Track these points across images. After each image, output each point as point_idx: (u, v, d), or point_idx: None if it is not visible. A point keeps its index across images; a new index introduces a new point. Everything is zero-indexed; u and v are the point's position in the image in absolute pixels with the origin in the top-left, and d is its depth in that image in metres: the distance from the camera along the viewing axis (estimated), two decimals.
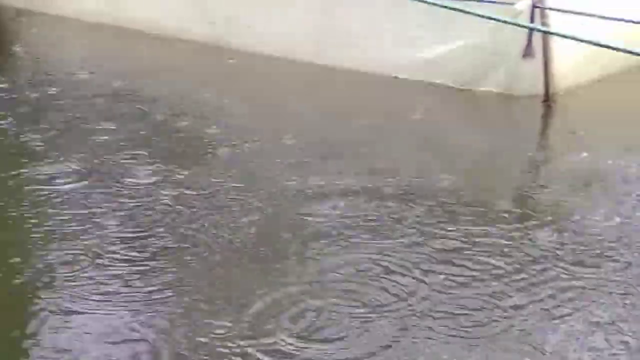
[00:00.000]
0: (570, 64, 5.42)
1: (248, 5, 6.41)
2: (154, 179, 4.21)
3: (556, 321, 3.00)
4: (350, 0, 5.90)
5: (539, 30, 4.95)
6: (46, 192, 4.07)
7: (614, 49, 3.91)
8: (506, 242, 3.55)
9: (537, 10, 5.09)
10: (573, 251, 3.47)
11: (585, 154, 4.51)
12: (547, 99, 5.36)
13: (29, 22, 7.45)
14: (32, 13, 7.51)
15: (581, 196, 4.03)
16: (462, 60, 5.57)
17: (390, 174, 4.23)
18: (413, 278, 3.29)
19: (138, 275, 3.34)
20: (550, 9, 5.07)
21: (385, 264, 3.41)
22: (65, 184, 4.18)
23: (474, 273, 3.31)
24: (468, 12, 4.53)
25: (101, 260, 3.45)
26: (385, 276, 3.31)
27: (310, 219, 3.78)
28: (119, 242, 3.60)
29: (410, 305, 3.11)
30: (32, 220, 3.79)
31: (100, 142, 4.71)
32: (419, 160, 4.53)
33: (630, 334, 2.93)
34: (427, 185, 4.11)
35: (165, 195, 4.02)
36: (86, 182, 4.21)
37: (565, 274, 3.30)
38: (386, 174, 4.22)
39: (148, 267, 3.40)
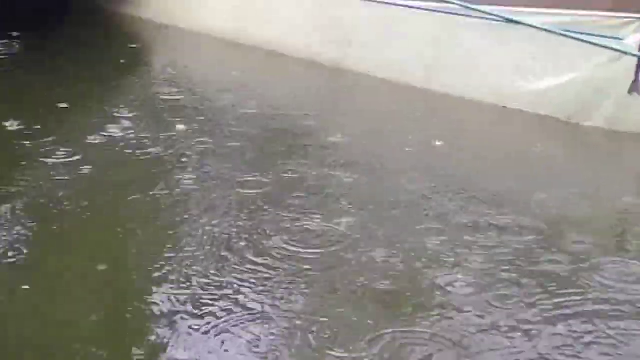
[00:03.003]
0: None
1: (365, 32, 6.78)
2: None
3: None
4: (463, 28, 6.16)
5: None
6: None
7: None
8: None
9: None
10: None
11: None
12: None
13: (168, 35, 8.24)
14: (169, 27, 8.27)
15: None
16: (570, 93, 5.71)
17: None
18: None
19: None
20: None
21: None
22: None
23: None
24: (581, 40, 4.68)
25: None
26: None
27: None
28: None
29: None
30: None
31: None
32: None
33: None
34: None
35: None
36: None
37: None
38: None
39: None
